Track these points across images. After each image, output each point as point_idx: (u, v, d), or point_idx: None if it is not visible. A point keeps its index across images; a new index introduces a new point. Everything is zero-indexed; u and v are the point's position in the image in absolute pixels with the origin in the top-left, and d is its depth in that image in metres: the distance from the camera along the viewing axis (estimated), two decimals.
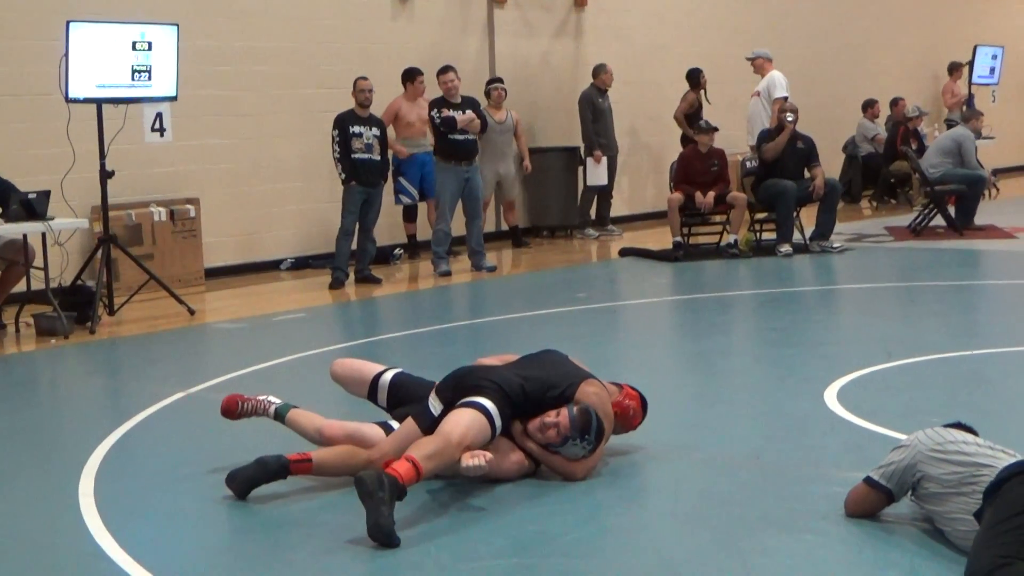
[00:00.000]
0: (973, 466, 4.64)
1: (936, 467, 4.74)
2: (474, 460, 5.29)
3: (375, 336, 10.34)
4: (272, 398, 6.20)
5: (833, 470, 5.73)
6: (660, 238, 14.93)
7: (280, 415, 6.14)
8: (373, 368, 6.37)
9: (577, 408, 5.70)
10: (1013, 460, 4.58)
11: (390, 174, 13.38)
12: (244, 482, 5.56)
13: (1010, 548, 4.14)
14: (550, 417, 5.70)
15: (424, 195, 14.25)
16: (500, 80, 15.32)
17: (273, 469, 5.56)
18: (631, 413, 6.16)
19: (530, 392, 5.76)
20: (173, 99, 11.25)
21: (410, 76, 14.09)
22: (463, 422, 5.44)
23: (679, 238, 14.09)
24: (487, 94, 14.87)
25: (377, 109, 12.97)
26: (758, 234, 14.53)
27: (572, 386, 5.87)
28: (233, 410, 6.17)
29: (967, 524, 4.53)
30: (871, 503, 5.03)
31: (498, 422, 5.57)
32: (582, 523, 5.24)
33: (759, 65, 15.76)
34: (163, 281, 11.15)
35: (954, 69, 22.80)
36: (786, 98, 15.15)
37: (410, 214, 14.63)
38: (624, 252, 14.69)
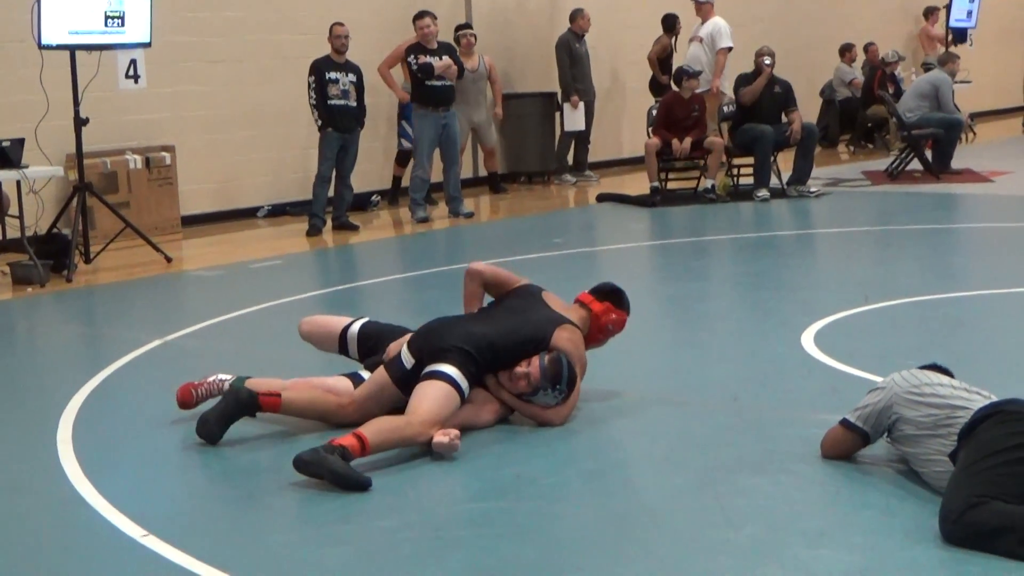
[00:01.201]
0: (948, 408, 4.66)
1: (912, 409, 4.77)
2: (445, 438, 5.28)
3: (352, 283, 10.34)
4: (222, 375, 6.09)
5: (809, 412, 5.76)
6: (637, 183, 14.92)
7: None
8: (340, 321, 6.33)
9: (548, 357, 5.69)
10: (988, 402, 4.61)
11: (396, 116, 13.26)
12: (218, 418, 5.52)
13: (984, 488, 4.18)
14: (521, 367, 5.69)
15: None
16: (469, 26, 15.19)
17: (244, 399, 5.54)
18: (611, 327, 6.13)
19: (501, 348, 5.73)
20: (147, 46, 11.16)
21: (422, 19, 13.87)
22: (428, 397, 5.42)
23: (656, 183, 14.08)
24: (456, 40, 14.71)
25: (352, 55, 12.85)
26: (735, 179, 14.53)
27: (547, 335, 5.86)
28: (189, 401, 5.99)
29: (942, 465, 4.56)
30: (847, 445, 5.06)
31: (464, 385, 5.55)
32: (560, 467, 5.26)
33: (705, 11, 15.50)
34: (139, 229, 11.10)
35: (931, 12, 22.77)
36: (730, 48, 15.12)
37: (403, 158, 14.56)
38: (601, 198, 14.68)
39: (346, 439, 5.06)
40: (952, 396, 4.71)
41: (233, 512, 4.94)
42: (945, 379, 4.87)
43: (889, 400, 4.86)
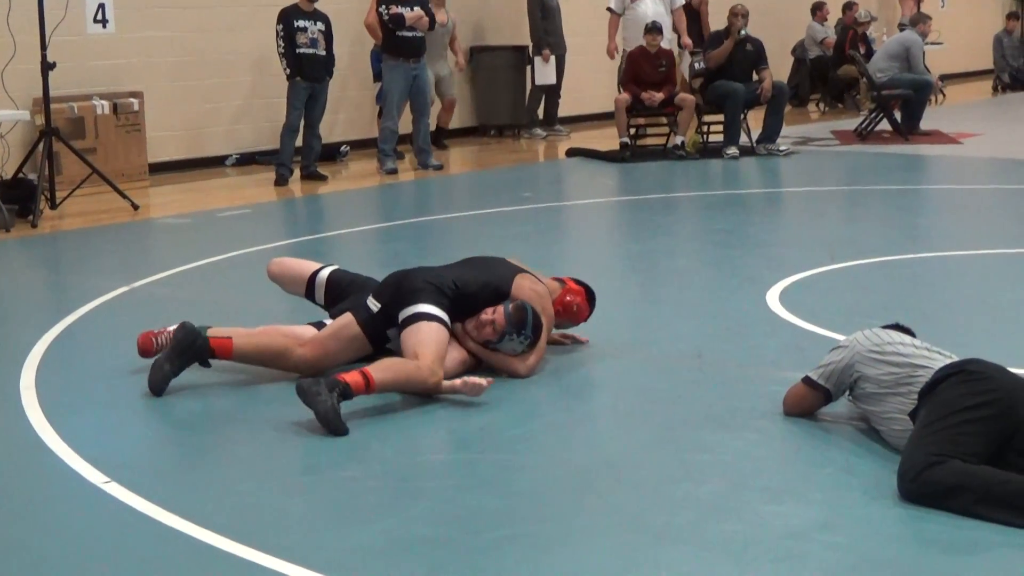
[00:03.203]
0: (909, 367, 4.70)
1: (873, 368, 4.80)
2: (478, 380, 5.33)
3: (320, 233, 10.31)
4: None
5: (773, 370, 5.79)
6: (608, 139, 14.90)
7: None
8: (310, 266, 6.34)
9: (512, 304, 5.72)
10: (948, 362, 4.64)
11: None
12: (169, 354, 5.49)
13: (943, 447, 4.21)
14: (486, 315, 5.72)
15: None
16: None
17: (192, 331, 5.53)
18: (575, 309, 6.19)
19: (463, 289, 5.76)
20: None
21: None
22: (425, 340, 5.43)
23: (626, 139, 14.07)
24: None
25: (322, 3, 12.75)
26: (705, 136, 14.52)
27: (507, 282, 5.89)
28: (149, 349, 5.94)
29: (902, 423, 4.60)
30: (809, 402, 5.09)
31: (445, 318, 5.61)
32: (524, 419, 5.28)
33: None
34: (106, 175, 11.03)
35: None
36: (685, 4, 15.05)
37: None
38: (571, 152, 14.66)
39: (350, 375, 5.06)
40: (914, 355, 4.75)
41: (196, 460, 4.95)
42: (907, 338, 4.91)
43: (851, 358, 4.89)
